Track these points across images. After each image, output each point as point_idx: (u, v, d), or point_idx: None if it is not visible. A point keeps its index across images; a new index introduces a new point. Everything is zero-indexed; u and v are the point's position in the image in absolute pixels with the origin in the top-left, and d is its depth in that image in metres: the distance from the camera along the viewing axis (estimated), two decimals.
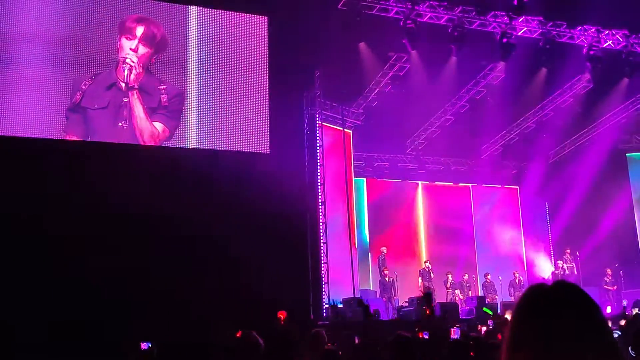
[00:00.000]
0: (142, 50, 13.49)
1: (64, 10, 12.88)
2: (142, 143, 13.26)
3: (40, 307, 10.98)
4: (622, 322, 10.58)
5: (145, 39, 13.52)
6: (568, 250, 19.56)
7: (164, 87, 13.53)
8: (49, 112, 12.57)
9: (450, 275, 18.86)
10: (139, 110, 13.23)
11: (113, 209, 11.86)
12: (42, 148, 12.24)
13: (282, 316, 11.33)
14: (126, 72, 13.30)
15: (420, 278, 18.45)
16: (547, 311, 1.47)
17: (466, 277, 19.26)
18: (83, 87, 12.91)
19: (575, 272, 18.98)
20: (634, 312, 13.59)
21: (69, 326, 10.86)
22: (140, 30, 13.49)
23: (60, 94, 12.71)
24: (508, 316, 11.66)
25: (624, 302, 16.63)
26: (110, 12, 13.26)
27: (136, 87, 13.31)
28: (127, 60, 13.30)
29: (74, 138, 12.89)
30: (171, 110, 13.55)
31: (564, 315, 1.46)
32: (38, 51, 12.59)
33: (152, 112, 13.41)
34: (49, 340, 10.50)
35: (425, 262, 19.01)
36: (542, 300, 1.51)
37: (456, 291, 18.75)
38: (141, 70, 13.45)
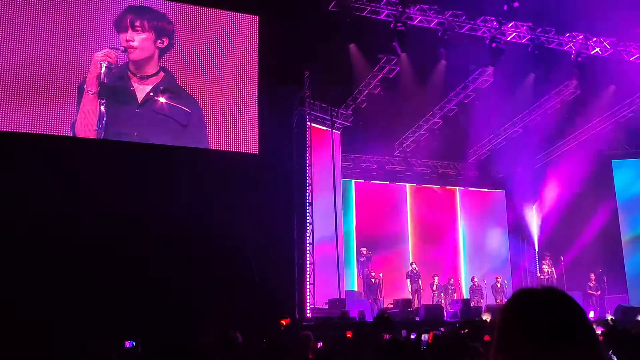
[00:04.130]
0: (138, 39, 13.07)
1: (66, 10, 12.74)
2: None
3: (26, 305, 10.88)
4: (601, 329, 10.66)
5: (137, 26, 13.09)
6: (548, 255, 19.75)
7: (186, 106, 13.23)
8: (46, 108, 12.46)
9: (436, 278, 18.95)
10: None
11: (100, 207, 11.79)
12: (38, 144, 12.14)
13: (284, 322, 11.25)
14: (103, 69, 12.60)
15: (408, 280, 18.54)
16: (536, 313, 1.52)
17: (452, 280, 19.35)
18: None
19: (555, 277, 19.12)
20: (608, 318, 13.71)
21: (50, 324, 10.78)
22: (129, 19, 13.07)
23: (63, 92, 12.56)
24: (486, 317, 11.70)
25: (591, 314, 16.83)
26: (105, 11, 13.06)
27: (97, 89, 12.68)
28: (104, 56, 12.62)
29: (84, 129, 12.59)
30: (188, 128, 13.35)
31: (552, 316, 1.51)
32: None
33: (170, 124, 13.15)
34: (31, 341, 10.40)
35: (411, 263, 19.09)
36: (530, 303, 1.56)
37: (442, 294, 18.83)
38: (156, 69, 13.05)
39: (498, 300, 18.66)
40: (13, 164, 11.64)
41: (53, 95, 12.36)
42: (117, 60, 12.96)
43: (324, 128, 17.43)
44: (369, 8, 14.56)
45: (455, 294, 19.21)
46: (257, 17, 14.36)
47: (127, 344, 9.48)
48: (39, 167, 11.84)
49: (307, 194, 15.75)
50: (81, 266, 11.30)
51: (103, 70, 12.69)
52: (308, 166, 15.92)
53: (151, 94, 13.17)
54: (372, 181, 20.92)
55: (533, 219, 22.41)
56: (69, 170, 11.93)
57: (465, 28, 15.30)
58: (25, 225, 11.31)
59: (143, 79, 13.19)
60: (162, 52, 13.45)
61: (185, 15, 13.78)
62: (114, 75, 12.86)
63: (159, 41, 13.39)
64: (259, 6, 14.24)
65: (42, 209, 11.53)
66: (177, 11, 13.73)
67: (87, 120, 12.58)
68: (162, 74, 13.37)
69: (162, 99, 13.20)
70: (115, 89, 12.83)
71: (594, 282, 18.51)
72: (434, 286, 18.78)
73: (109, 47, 12.89)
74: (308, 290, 15.16)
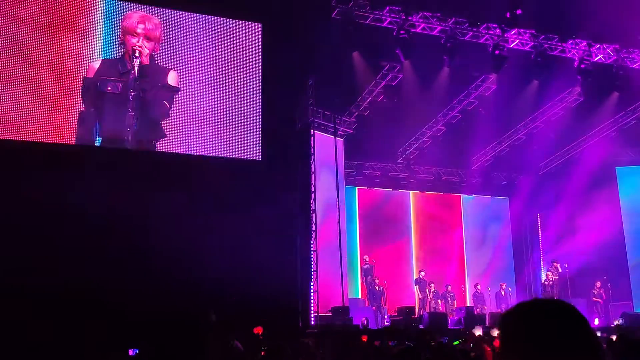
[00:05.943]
0: (146, 46, 13.31)
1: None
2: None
3: (23, 310, 10.86)
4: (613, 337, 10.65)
5: (147, 36, 13.35)
6: (552, 262, 19.67)
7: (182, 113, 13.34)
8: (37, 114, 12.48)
9: (432, 285, 18.84)
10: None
11: (99, 211, 11.77)
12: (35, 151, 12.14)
13: (259, 332, 11.10)
14: (136, 64, 12.91)
15: (417, 287, 18.51)
16: (539, 322, 1.53)
17: (449, 287, 19.26)
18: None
19: (565, 279, 19.02)
20: (615, 323, 13.69)
21: (54, 331, 10.76)
22: (141, 28, 13.31)
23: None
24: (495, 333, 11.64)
25: (596, 321, 16.83)
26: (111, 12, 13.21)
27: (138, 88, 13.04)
28: (137, 52, 13.01)
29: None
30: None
31: (555, 324, 1.52)
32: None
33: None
34: (32, 345, 10.38)
35: (420, 271, 19.04)
36: (532, 313, 1.58)
37: (439, 301, 18.75)
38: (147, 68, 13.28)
39: (502, 308, 18.59)
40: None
41: (53, 103, 12.40)
42: (118, 66, 13.05)
43: (328, 135, 17.45)
44: (372, 16, 14.60)
45: (455, 301, 19.16)
46: (260, 25, 14.40)
47: (131, 352, 9.46)
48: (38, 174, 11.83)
49: (311, 201, 15.74)
50: (80, 273, 11.28)
51: (100, 77, 12.77)
52: (312, 173, 15.92)
53: (147, 99, 13.24)
54: (375, 188, 20.92)
55: (537, 225, 22.36)
56: (69, 174, 11.94)
57: (468, 35, 15.32)
58: (20, 228, 11.31)
59: (140, 85, 13.25)
60: (161, 58, 13.44)
61: (189, 23, 13.80)
62: (110, 81, 12.94)
63: (158, 46, 13.46)
64: (262, 14, 14.28)
65: (39, 209, 11.52)
66: (180, 18, 13.75)
67: (87, 126, 12.71)
68: (158, 80, 13.38)
69: (156, 105, 13.26)
70: (111, 95, 12.92)
71: (598, 289, 18.45)
72: (430, 294, 18.70)
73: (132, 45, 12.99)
74: (312, 297, 15.12)
